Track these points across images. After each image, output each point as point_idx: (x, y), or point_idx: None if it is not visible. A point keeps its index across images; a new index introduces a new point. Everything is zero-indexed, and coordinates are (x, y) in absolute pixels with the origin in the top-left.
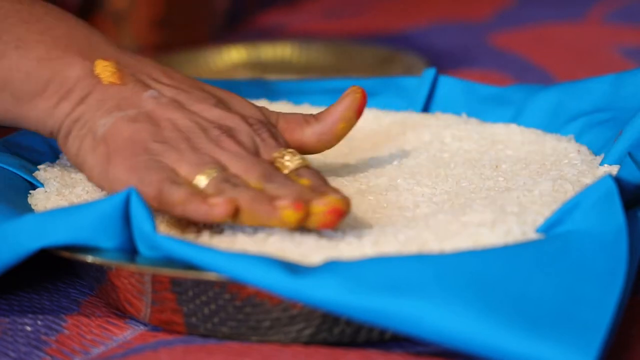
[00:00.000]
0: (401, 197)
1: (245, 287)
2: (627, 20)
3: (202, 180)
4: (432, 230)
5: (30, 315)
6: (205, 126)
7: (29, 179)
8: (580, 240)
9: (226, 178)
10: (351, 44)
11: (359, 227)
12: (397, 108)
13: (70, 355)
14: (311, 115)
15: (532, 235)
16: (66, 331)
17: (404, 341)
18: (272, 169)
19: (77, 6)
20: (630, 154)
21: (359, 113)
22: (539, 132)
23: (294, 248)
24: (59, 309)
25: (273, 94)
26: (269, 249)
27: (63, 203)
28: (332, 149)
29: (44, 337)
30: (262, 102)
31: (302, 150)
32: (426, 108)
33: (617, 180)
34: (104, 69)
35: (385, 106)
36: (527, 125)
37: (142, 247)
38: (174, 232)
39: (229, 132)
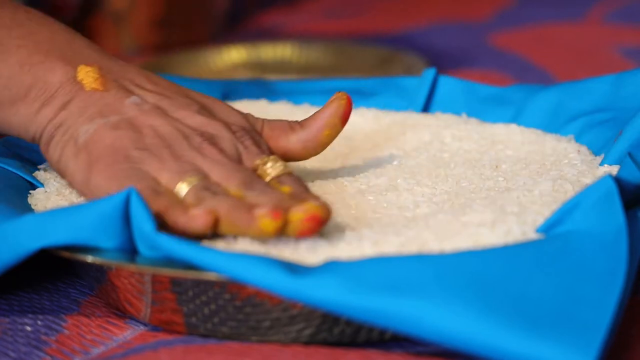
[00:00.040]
0: (401, 197)
1: (245, 287)
2: (627, 20)
3: (183, 188)
4: (432, 230)
5: (30, 315)
6: (187, 133)
7: (29, 179)
8: (580, 241)
9: (206, 186)
10: (351, 44)
11: (359, 227)
12: (397, 108)
13: (70, 355)
14: (296, 122)
15: (532, 235)
16: (66, 331)
17: (404, 341)
18: (253, 176)
19: (77, 6)
20: (630, 154)
21: (344, 119)
22: (539, 132)
23: (294, 248)
24: (59, 309)
25: (273, 94)
26: (268, 249)
27: (63, 203)
28: (332, 149)
29: (44, 337)
30: (262, 102)
31: (288, 157)
32: (426, 108)
33: (617, 180)
34: (87, 75)
35: (385, 106)
36: (527, 125)
37: (142, 247)
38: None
39: (211, 140)
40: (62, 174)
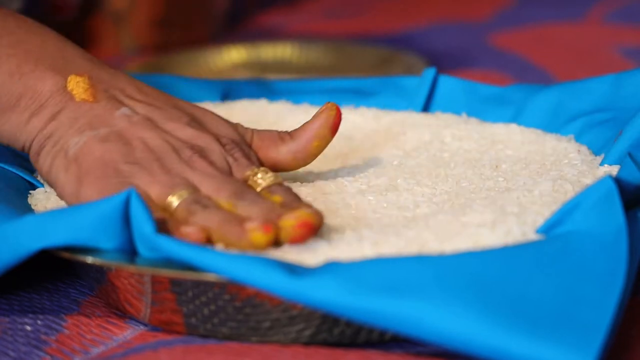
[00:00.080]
0: (401, 197)
1: (245, 288)
2: (627, 20)
3: (173, 202)
4: (432, 231)
5: (30, 315)
6: (177, 146)
7: (29, 179)
8: (581, 241)
9: (197, 199)
10: (351, 44)
11: (359, 227)
12: (397, 108)
13: (70, 355)
14: (286, 132)
15: (532, 235)
16: (66, 331)
17: (404, 342)
18: (244, 186)
19: (77, 6)
20: (630, 154)
21: (333, 130)
22: (539, 132)
23: (293, 249)
24: (59, 309)
25: (273, 94)
26: (268, 249)
27: (63, 203)
28: (332, 149)
29: (44, 337)
30: (262, 102)
31: (277, 168)
32: (426, 108)
33: (617, 180)
34: (77, 85)
35: (385, 106)
36: (527, 125)
37: (141, 248)
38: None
39: (201, 152)
40: (52, 185)
